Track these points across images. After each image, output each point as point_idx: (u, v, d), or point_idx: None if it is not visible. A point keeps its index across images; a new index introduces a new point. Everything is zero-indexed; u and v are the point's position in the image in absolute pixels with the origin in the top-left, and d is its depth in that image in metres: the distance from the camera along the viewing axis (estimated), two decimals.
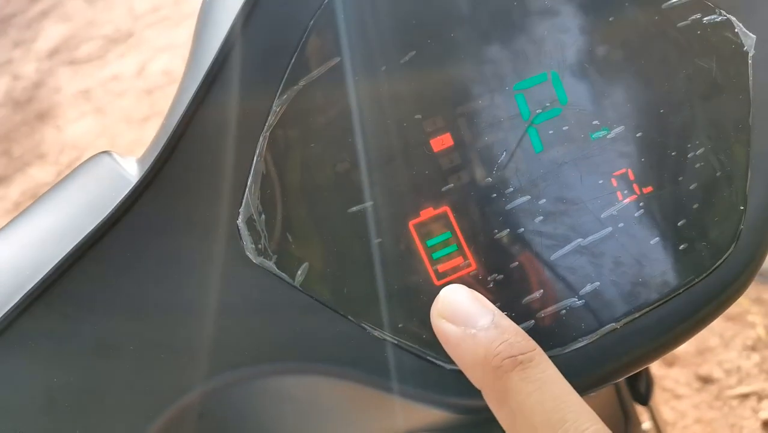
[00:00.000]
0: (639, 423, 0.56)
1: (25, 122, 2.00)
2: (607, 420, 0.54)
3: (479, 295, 0.19)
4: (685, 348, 1.09)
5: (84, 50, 2.23)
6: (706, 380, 1.05)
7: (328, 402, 0.20)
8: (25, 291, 0.18)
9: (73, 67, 2.17)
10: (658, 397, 1.04)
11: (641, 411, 0.60)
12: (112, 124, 1.90)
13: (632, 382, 0.45)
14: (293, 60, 0.19)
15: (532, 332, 0.19)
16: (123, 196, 0.19)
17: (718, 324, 1.11)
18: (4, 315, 0.18)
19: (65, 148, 1.86)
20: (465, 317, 0.18)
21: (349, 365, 0.19)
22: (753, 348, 1.07)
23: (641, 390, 0.43)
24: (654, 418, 0.67)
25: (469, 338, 0.18)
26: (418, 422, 0.21)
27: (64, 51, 2.25)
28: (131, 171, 0.20)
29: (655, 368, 1.08)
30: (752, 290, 1.14)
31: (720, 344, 1.09)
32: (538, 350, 0.18)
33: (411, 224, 0.19)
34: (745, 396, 1.02)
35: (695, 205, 0.20)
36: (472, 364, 0.18)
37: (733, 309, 1.12)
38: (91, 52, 2.21)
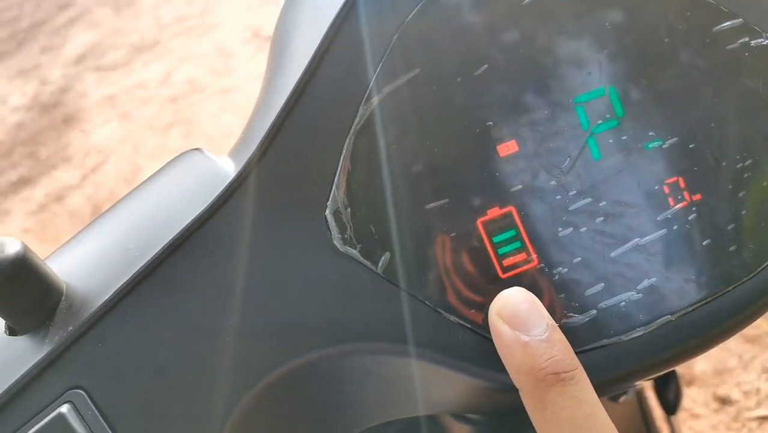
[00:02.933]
0: None
1: (51, 126, 2.04)
2: (629, 432, 0.54)
3: (538, 302, 0.20)
4: (703, 368, 1.09)
5: (110, 57, 2.27)
6: (724, 401, 1.05)
7: (404, 379, 0.22)
8: (134, 270, 0.20)
9: (100, 74, 2.22)
10: (678, 418, 1.04)
11: (662, 427, 0.61)
12: (137, 130, 1.93)
13: (661, 391, 0.46)
14: (378, 70, 0.21)
15: (594, 321, 0.21)
16: (221, 188, 0.21)
17: (737, 346, 1.11)
18: (116, 291, 0.20)
19: (90, 152, 1.90)
20: (521, 322, 0.20)
21: (424, 346, 0.21)
22: None
23: (670, 398, 0.44)
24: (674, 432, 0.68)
25: (521, 345, 0.19)
26: (480, 399, 0.23)
27: (90, 58, 2.30)
28: (225, 166, 0.22)
29: None
30: None
31: (739, 366, 1.09)
32: (580, 369, 0.19)
33: (479, 221, 0.21)
34: (764, 419, 1.02)
35: (743, 211, 0.21)
36: (517, 369, 0.19)
37: (752, 331, 1.12)
38: (117, 59, 2.26)
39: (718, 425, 1.03)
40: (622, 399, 0.42)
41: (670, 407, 0.45)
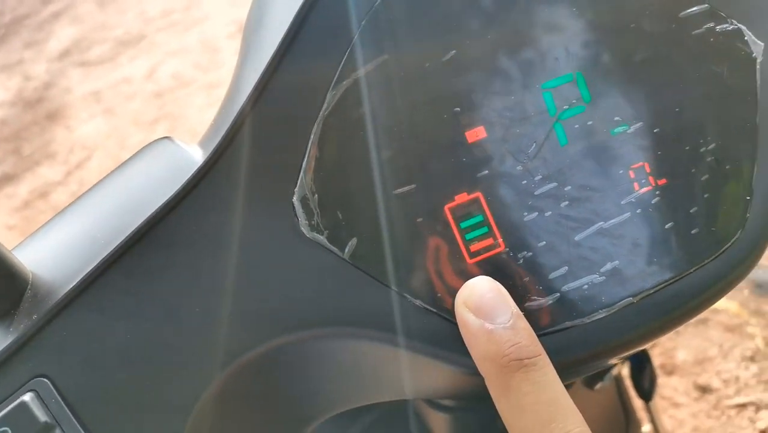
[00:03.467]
0: (639, 425, 0.57)
1: (35, 122, 2.02)
2: (608, 420, 0.55)
3: (503, 290, 0.21)
4: (684, 358, 1.11)
5: (95, 52, 2.25)
6: (704, 390, 1.07)
7: (371, 364, 0.22)
8: (101, 258, 0.20)
9: (84, 69, 2.20)
10: (658, 405, 1.06)
11: (642, 415, 0.62)
12: (122, 126, 1.92)
13: (636, 378, 0.47)
14: (346, 56, 0.21)
15: (557, 304, 0.21)
16: (189, 175, 0.21)
17: (718, 335, 1.12)
18: (82, 278, 0.20)
19: (75, 148, 1.88)
20: (486, 310, 0.20)
21: (390, 331, 0.21)
22: (752, 359, 1.09)
23: (645, 385, 0.45)
24: (653, 421, 0.69)
25: (486, 333, 0.20)
26: (448, 383, 0.23)
27: (75, 53, 2.28)
28: (194, 154, 0.22)
29: None
30: (752, 302, 1.16)
31: (719, 355, 1.10)
32: (543, 355, 0.20)
33: (446, 207, 0.21)
34: (742, 406, 1.04)
35: (706, 195, 0.22)
36: (482, 357, 0.20)
37: (732, 321, 1.14)
38: (101, 54, 2.24)
39: (699, 413, 1.05)
40: (598, 386, 0.43)
41: (646, 393, 0.46)
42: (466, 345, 0.20)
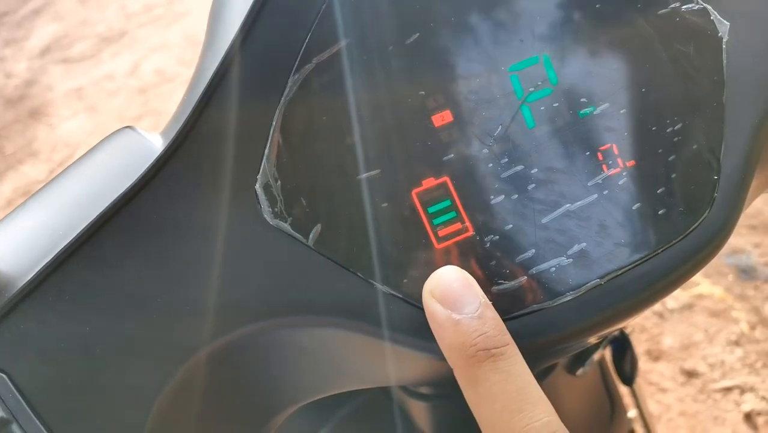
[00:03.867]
0: (624, 411, 0.58)
1: (17, 120, 2.00)
2: (592, 406, 0.56)
3: (472, 280, 0.20)
4: (670, 343, 1.12)
5: (77, 49, 2.23)
6: (690, 374, 1.08)
7: (337, 352, 0.22)
8: (59, 249, 0.19)
9: (66, 66, 2.18)
10: (643, 390, 1.07)
11: (627, 401, 0.62)
12: (105, 123, 1.90)
13: (618, 362, 0.47)
14: (307, 41, 0.21)
15: (525, 287, 0.21)
16: (150, 163, 0.20)
17: (703, 320, 1.13)
18: (39, 270, 0.19)
19: (58, 146, 1.86)
20: (453, 300, 0.20)
21: (356, 318, 0.21)
22: (736, 343, 1.10)
23: (626, 370, 0.45)
24: (639, 406, 0.69)
25: (453, 323, 0.19)
26: (417, 370, 0.23)
27: (56, 50, 2.25)
28: (155, 143, 0.21)
29: (642, 362, 1.10)
30: (736, 286, 1.16)
31: (704, 340, 1.11)
32: (512, 345, 0.20)
33: (414, 192, 0.21)
34: (728, 390, 1.05)
35: (673, 175, 0.22)
36: (450, 347, 0.20)
37: (717, 306, 1.15)
38: (83, 50, 2.22)
39: (685, 397, 1.05)
40: (579, 372, 0.43)
41: (627, 378, 0.46)
42: (435, 336, 0.20)
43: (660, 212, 0.21)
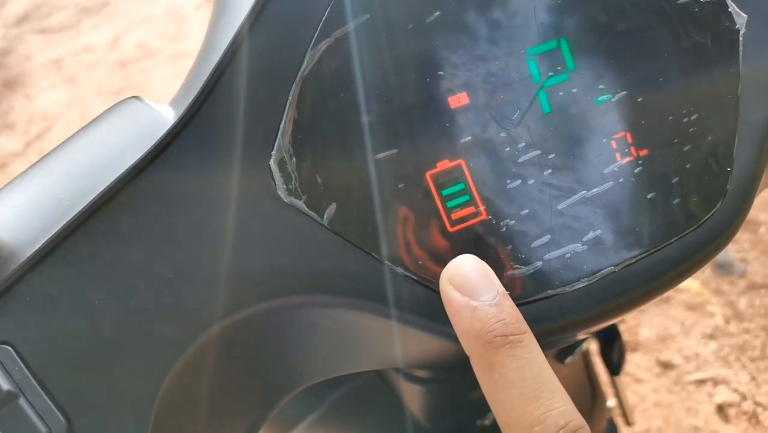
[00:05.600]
0: (605, 399, 0.59)
1: None
2: (575, 394, 0.56)
3: (490, 270, 0.20)
4: (647, 335, 1.14)
5: (56, 19, 2.17)
6: (666, 366, 1.10)
7: (349, 333, 0.22)
8: (66, 220, 0.19)
9: (44, 36, 2.12)
10: (621, 380, 1.09)
11: (606, 391, 0.63)
12: (84, 96, 1.86)
13: (606, 352, 0.47)
14: (326, 14, 0.20)
15: (539, 272, 0.21)
16: (160, 136, 0.20)
17: (679, 313, 1.15)
18: (47, 241, 0.19)
19: (34, 118, 1.82)
20: (471, 288, 0.20)
21: (369, 298, 0.20)
22: (711, 336, 1.12)
23: (614, 360, 0.46)
24: (618, 395, 0.70)
25: (470, 309, 0.19)
26: (427, 352, 0.23)
27: (34, 18, 2.19)
28: (165, 114, 0.21)
29: None
30: (712, 281, 1.19)
31: (680, 332, 1.13)
32: (529, 333, 0.20)
33: (428, 174, 0.21)
34: (701, 382, 1.07)
35: (688, 165, 0.22)
36: (466, 333, 0.19)
37: (694, 299, 1.17)
38: (63, 20, 2.16)
39: (660, 388, 1.08)
40: (568, 360, 0.44)
41: (615, 367, 0.47)
42: (452, 323, 0.20)
43: (674, 202, 0.21)
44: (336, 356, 0.23)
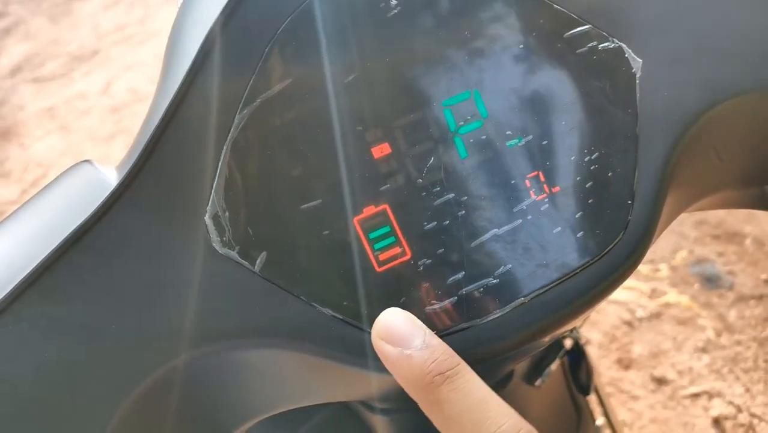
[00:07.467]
0: (592, 419, 0.59)
1: None
2: (558, 416, 0.57)
3: (411, 316, 0.22)
4: (640, 352, 1.14)
5: (48, 68, 2.21)
6: (660, 382, 1.10)
7: (285, 371, 0.23)
8: (17, 280, 0.20)
9: (37, 85, 2.16)
10: (615, 399, 1.09)
11: (595, 409, 0.63)
12: (78, 142, 1.89)
13: (574, 373, 0.48)
14: (252, 81, 0.22)
15: (455, 306, 0.22)
16: (105, 196, 0.22)
17: (671, 328, 1.16)
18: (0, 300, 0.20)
19: (30, 166, 1.85)
20: (400, 338, 0.21)
21: (301, 339, 0.22)
22: (703, 350, 1.13)
23: (582, 380, 0.47)
24: (607, 414, 0.71)
25: (405, 359, 0.21)
26: (362, 388, 0.24)
27: (27, 69, 2.24)
28: (111, 177, 0.23)
29: (613, 370, 1.12)
30: (702, 295, 1.20)
31: (673, 347, 1.14)
32: (462, 363, 0.21)
33: (356, 219, 0.22)
34: (696, 396, 1.07)
35: (590, 201, 0.23)
36: (408, 382, 0.21)
37: (684, 314, 1.17)
38: (55, 69, 2.20)
39: (656, 404, 1.08)
40: (538, 382, 0.45)
41: (584, 388, 0.48)
42: (394, 376, 0.21)
43: (578, 235, 0.23)
44: (277, 394, 0.24)
